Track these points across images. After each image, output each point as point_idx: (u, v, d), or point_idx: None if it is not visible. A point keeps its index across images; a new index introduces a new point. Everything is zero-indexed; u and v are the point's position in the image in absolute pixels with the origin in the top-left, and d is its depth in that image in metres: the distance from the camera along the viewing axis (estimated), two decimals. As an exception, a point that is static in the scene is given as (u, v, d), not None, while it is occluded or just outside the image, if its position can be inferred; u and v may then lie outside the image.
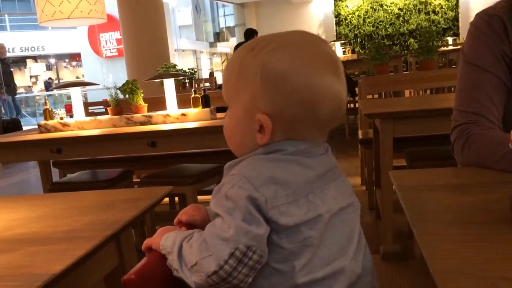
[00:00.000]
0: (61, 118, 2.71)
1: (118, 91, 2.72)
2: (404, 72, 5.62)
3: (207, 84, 6.34)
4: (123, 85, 2.68)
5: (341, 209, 0.71)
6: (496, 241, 0.66)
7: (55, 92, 11.88)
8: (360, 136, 3.22)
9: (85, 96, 12.14)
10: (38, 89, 16.38)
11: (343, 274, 0.68)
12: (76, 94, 2.81)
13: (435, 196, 0.74)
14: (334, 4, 10.62)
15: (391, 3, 10.20)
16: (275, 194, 0.64)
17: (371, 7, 10.36)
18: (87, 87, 7.93)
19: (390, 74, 4.50)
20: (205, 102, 2.70)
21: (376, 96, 5.41)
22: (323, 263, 0.67)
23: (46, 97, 8.76)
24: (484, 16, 1.10)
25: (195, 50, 14.21)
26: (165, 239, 0.69)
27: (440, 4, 10.03)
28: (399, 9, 10.21)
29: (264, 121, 0.67)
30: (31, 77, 17.03)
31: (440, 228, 0.71)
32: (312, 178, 0.68)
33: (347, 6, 10.55)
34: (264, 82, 0.66)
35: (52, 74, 17.30)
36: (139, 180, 2.77)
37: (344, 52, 7.14)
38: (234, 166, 0.69)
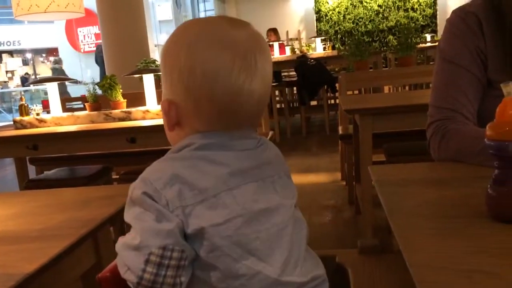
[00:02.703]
0: (38, 114, 2.65)
1: (97, 87, 2.68)
2: (384, 69, 5.67)
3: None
4: (102, 80, 2.63)
5: (262, 211, 0.64)
6: (473, 235, 0.67)
7: (32, 87, 11.63)
8: (340, 132, 3.24)
9: (67, 91, 11.94)
10: (14, 85, 16.00)
11: None
12: (52, 90, 2.75)
13: (413, 191, 0.75)
14: (315, 0, 10.65)
15: (371, 0, 10.29)
16: (179, 194, 0.59)
17: (351, 4, 10.43)
18: (67, 83, 7.80)
19: (370, 70, 4.54)
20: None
21: (356, 92, 5.46)
22: (240, 275, 0.60)
23: (22, 93, 8.56)
24: (460, 13, 1.12)
25: (175, 46, 14.06)
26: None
27: (418, 1, 10.16)
28: (379, 6, 10.30)
29: (167, 107, 0.66)
30: (7, 72, 16.64)
31: (417, 222, 0.71)
32: (224, 175, 0.62)
33: (328, 3, 10.59)
34: (163, 69, 0.66)
35: (28, 69, 16.93)
36: (118, 176, 2.74)
37: (324, 48, 7.16)
38: None
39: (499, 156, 0.68)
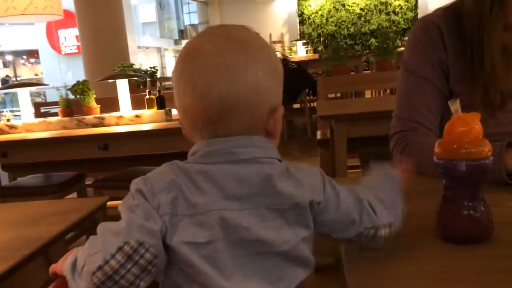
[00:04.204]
0: (8, 120, 2.59)
1: (69, 92, 2.63)
2: (364, 72, 5.70)
3: (171, 82, 6.23)
4: (74, 85, 2.59)
5: (255, 241, 0.59)
6: (420, 257, 0.65)
7: (12, 90, 11.43)
8: (318, 137, 3.24)
9: (44, 95, 11.76)
10: (-6, 87, 15.69)
11: None
12: (23, 95, 2.69)
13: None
14: (298, 3, 10.67)
15: (353, 3, 10.35)
16: (173, 202, 0.58)
17: (333, 7, 10.48)
18: (53, 85, 7.67)
19: (351, 74, 4.56)
20: (160, 103, 2.64)
21: (339, 95, 5.47)
22: None
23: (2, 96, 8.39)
24: (422, 23, 1.11)
25: (159, 48, 13.98)
26: (68, 259, 0.62)
27: (400, 4, 10.26)
28: (361, 9, 10.38)
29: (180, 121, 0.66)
30: (-14, 74, 16.34)
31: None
32: (219, 196, 0.59)
33: (310, 6, 10.62)
34: None
35: (9, 72, 16.65)
36: (91, 183, 2.69)
37: (307, 52, 7.19)
38: None
39: (447, 174, 0.67)
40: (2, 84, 15.22)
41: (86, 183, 2.85)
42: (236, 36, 0.63)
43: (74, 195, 2.69)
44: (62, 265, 0.64)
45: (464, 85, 1.06)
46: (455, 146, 0.64)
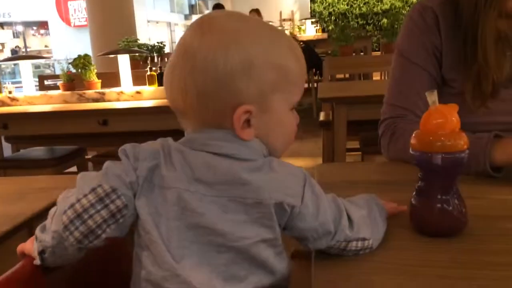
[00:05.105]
0: (10, 92, 2.60)
1: (70, 66, 2.62)
2: (373, 54, 5.61)
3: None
4: (75, 59, 2.58)
5: (207, 229, 0.57)
6: (389, 247, 0.65)
7: (13, 62, 11.43)
8: (320, 118, 3.21)
9: (53, 66, 11.75)
10: (5, 57, 15.75)
11: None
12: (25, 68, 2.69)
13: (348, 194, 0.73)
14: (310, -19, 10.48)
15: (366, -18, 10.13)
16: (152, 169, 0.59)
17: (346, -15, 10.27)
18: (55, 58, 7.64)
19: (357, 55, 4.49)
20: (161, 80, 2.63)
21: (347, 76, 5.41)
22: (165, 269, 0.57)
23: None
24: (419, 7, 1.08)
25: (169, 22, 13.86)
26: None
27: (414, -16, 10.02)
28: (374, -13, 10.16)
29: None
30: (-3, 44, 16.36)
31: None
32: (190, 177, 0.58)
33: (323, -17, 10.42)
34: None
35: (19, 42, 16.65)
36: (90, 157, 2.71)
37: (316, 31, 7.09)
38: None
39: (422, 166, 0.65)
40: (12, 54, 15.24)
41: (87, 157, 2.88)
42: (216, 29, 0.59)
43: (74, 168, 2.71)
44: (31, 245, 0.64)
45: (456, 73, 1.04)
46: (430, 138, 0.63)
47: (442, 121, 0.63)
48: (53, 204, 0.95)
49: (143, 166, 0.59)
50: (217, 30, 0.59)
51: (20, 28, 16.54)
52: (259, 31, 0.61)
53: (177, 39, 11.56)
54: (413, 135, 0.66)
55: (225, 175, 0.57)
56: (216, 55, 0.57)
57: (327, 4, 10.40)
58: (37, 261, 0.62)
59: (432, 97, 0.64)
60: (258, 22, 0.63)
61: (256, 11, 7.41)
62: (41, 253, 0.62)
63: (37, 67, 11.97)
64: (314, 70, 5.53)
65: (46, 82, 3.49)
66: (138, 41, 3.95)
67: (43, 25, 15.67)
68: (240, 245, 0.57)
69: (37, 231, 0.64)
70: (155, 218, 0.58)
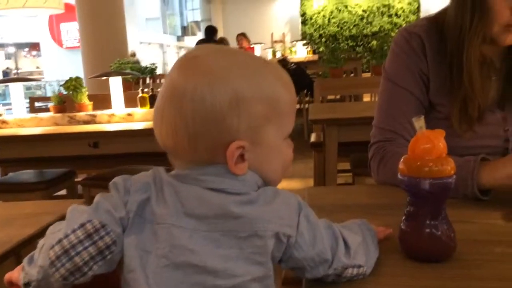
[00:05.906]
0: (0, 115, 2.59)
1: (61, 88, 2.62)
2: (363, 75, 5.68)
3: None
4: (66, 81, 2.58)
5: (196, 267, 0.56)
6: (378, 273, 0.65)
7: (4, 84, 11.41)
8: (312, 139, 3.23)
9: (44, 88, 11.72)
10: (-5, 79, 15.69)
11: None
12: (16, 90, 2.68)
13: (337, 218, 0.73)
14: (300, 3, 10.65)
15: (356, 5, 10.33)
16: (142, 203, 0.58)
17: (336, 8, 10.46)
18: (46, 80, 7.63)
19: (347, 76, 4.54)
20: (153, 102, 2.64)
21: (338, 96, 5.45)
22: None
23: None
24: (405, 33, 1.10)
25: (162, 44, 13.96)
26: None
27: (402, 7, 10.23)
28: (363, 11, 10.35)
29: None
30: (-12, 65, 16.33)
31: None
32: (179, 212, 0.57)
33: (313, 6, 10.60)
34: None
35: (11, 63, 16.65)
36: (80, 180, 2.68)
37: (308, 52, 7.18)
38: None
39: (410, 191, 0.66)
40: (3, 76, 15.22)
41: (77, 179, 2.85)
42: (200, 68, 0.58)
43: (64, 192, 2.68)
44: (19, 274, 0.63)
45: (443, 97, 1.05)
46: (418, 163, 0.64)
47: (429, 147, 0.63)
48: (42, 230, 0.94)
49: (134, 199, 0.58)
50: (202, 69, 0.58)
51: (11, 50, 16.57)
52: (243, 65, 0.60)
53: (169, 60, 11.54)
54: (402, 160, 0.67)
55: (217, 209, 0.56)
56: (203, 94, 0.56)
57: (318, 26, 10.57)
58: None
59: (419, 122, 0.65)
60: (241, 55, 0.62)
61: (243, 35, 7.50)
62: (27, 285, 0.61)
63: (28, 88, 11.94)
64: (305, 91, 5.58)
65: (37, 104, 3.49)
66: (129, 63, 3.95)
67: (34, 46, 15.70)
68: (229, 284, 0.55)
69: (25, 261, 0.62)
70: (143, 257, 0.57)
